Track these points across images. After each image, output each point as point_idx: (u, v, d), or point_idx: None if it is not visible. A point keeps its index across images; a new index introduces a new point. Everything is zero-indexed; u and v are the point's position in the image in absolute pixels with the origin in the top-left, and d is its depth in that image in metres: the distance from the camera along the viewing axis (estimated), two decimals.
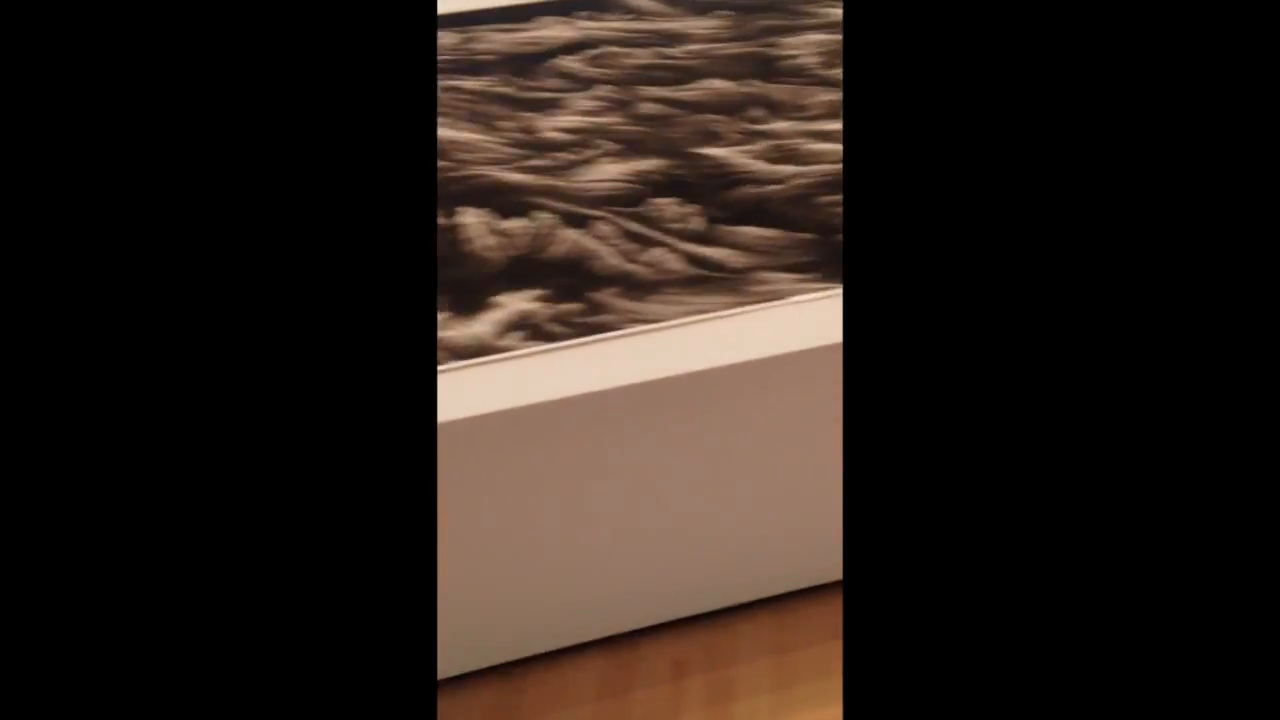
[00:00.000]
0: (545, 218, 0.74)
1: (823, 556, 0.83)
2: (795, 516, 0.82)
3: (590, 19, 1.03)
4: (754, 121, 0.89)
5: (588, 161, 0.83)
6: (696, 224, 0.75)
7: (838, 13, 1.01)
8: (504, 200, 0.79)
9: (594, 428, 0.76)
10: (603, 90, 0.91)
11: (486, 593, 0.78)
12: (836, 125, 0.88)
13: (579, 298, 0.72)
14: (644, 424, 0.76)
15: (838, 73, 0.92)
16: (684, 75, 0.94)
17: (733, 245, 0.76)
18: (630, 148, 0.85)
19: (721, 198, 0.79)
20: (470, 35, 0.96)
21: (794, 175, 0.82)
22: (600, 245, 0.76)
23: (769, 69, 0.94)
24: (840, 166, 0.85)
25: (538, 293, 0.72)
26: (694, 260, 0.74)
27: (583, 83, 0.90)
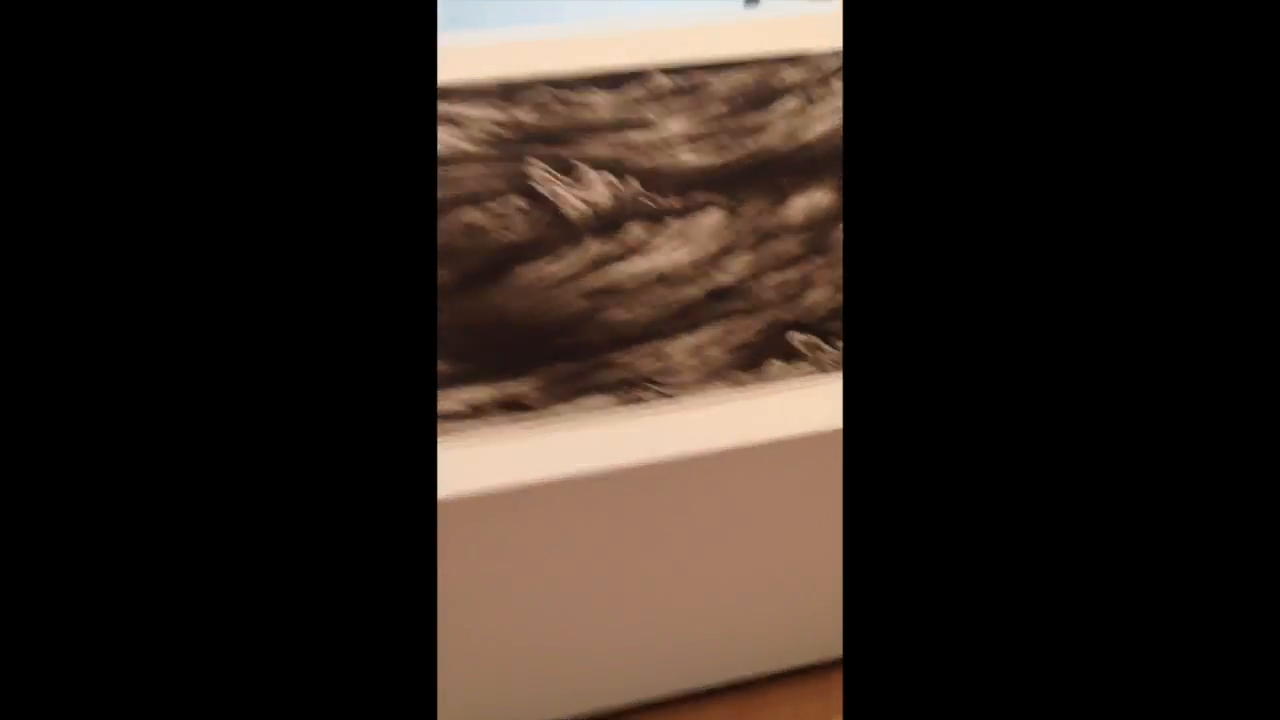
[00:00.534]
0: None
1: (806, 637, 0.82)
2: (781, 599, 0.81)
3: None
4: None
5: None
6: None
7: None
8: None
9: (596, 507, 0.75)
10: None
11: (485, 666, 0.77)
12: None
13: None
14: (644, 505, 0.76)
15: None
16: None
17: None
18: None
19: None
20: None
21: None
22: None
23: None
24: None
25: None
26: None
27: None
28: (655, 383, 0.78)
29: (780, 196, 0.81)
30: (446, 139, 0.74)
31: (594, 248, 0.77)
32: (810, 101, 0.82)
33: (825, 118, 0.81)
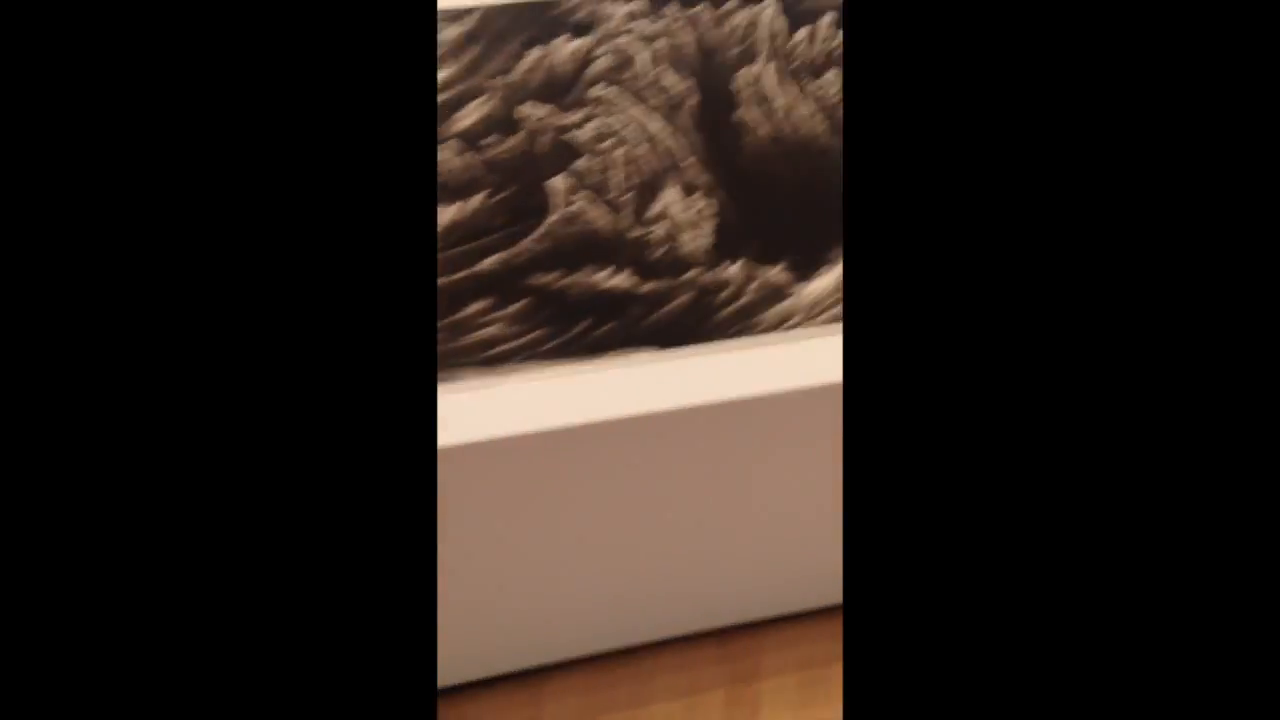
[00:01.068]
0: None
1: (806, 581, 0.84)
2: (790, 542, 0.83)
3: None
4: None
5: None
6: None
7: None
8: None
9: (609, 452, 0.76)
10: None
11: (497, 604, 0.79)
12: None
13: None
14: (658, 450, 0.77)
15: None
16: None
17: None
18: None
19: None
20: None
21: None
22: None
23: None
24: None
25: None
26: None
27: None
28: None
29: None
30: None
31: None
32: None
33: None
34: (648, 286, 0.78)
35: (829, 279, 0.82)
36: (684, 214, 0.79)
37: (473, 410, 0.73)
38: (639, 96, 0.87)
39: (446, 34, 0.87)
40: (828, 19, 0.91)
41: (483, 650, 0.81)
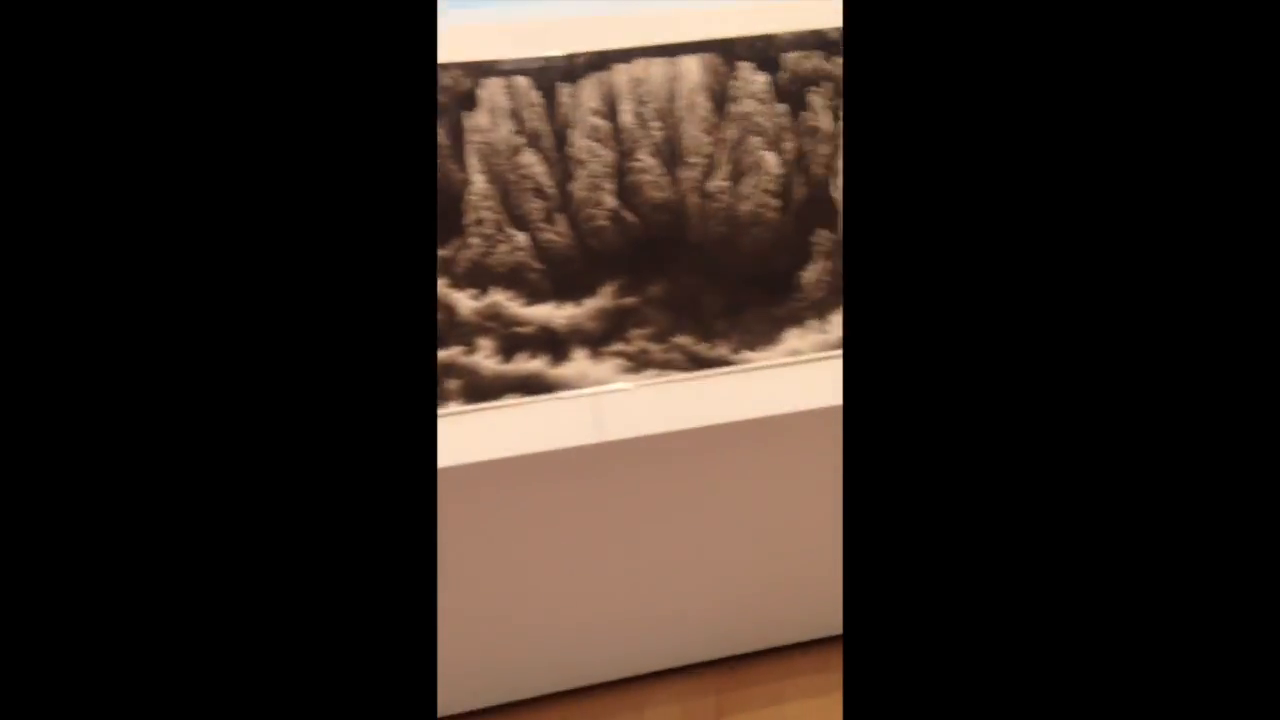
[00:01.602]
0: None
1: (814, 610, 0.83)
2: (790, 570, 0.82)
3: None
4: None
5: None
6: None
7: None
8: None
9: (601, 475, 0.76)
10: None
11: (491, 633, 0.78)
12: None
13: None
14: (652, 474, 0.77)
15: None
16: None
17: None
18: None
19: None
20: None
21: None
22: None
23: None
24: None
25: None
26: None
27: None
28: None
29: None
30: None
31: None
32: None
33: None
34: None
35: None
36: None
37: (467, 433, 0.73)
38: None
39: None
40: None
41: (486, 677, 0.80)
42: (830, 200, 0.92)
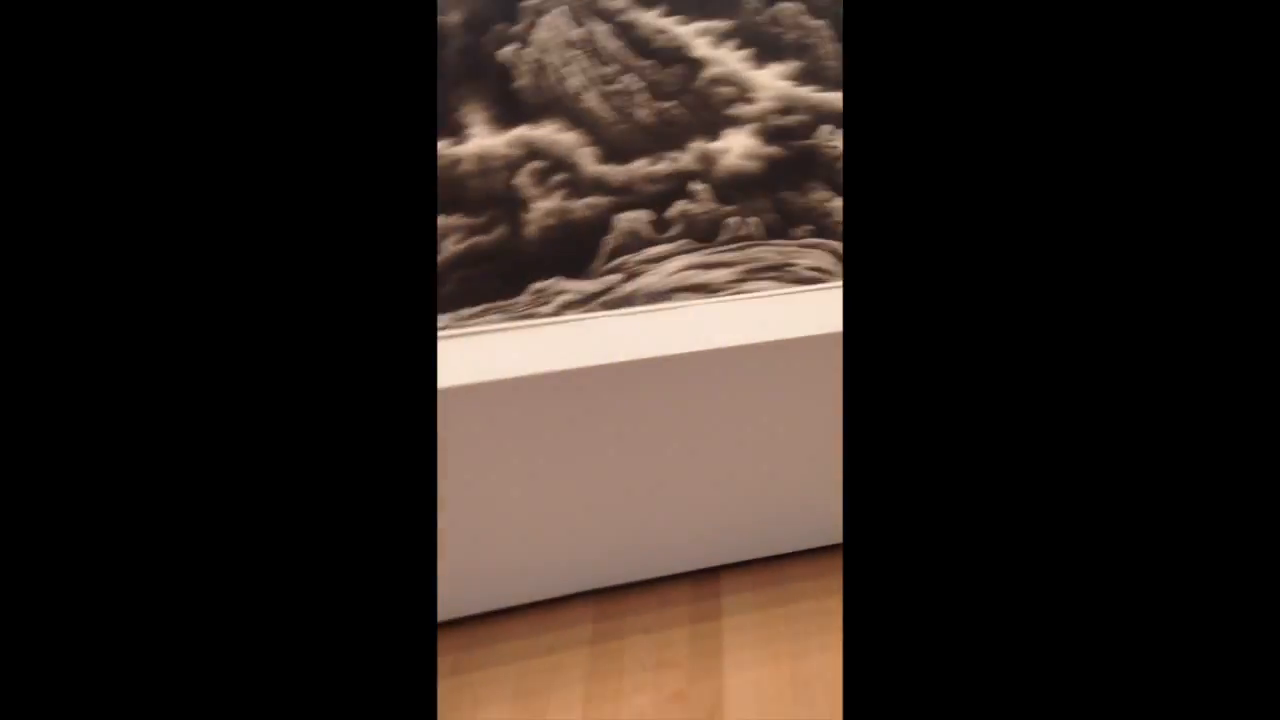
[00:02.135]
0: None
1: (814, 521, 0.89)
2: (791, 483, 0.88)
3: None
4: None
5: None
6: None
7: None
8: None
9: (605, 396, 0.81)
10: None
11: (493, 541, 0.84)
12: None
13: None
14: (652, 395, 0.82)
15: None
16: None
17: None
18: None
19: None
20: None
21: None
22: None
23: None
24: None
25: None
26: None
27: None
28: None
29: None
30: None
31: None
32: None
33: None
34: None
35: None
36: None
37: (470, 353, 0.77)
38: None
39: None
40: None
41: (486, 584, 0.85)
42: None
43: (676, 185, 0.83)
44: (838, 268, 0.82)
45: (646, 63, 0.85)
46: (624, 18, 0.87)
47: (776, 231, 0.82)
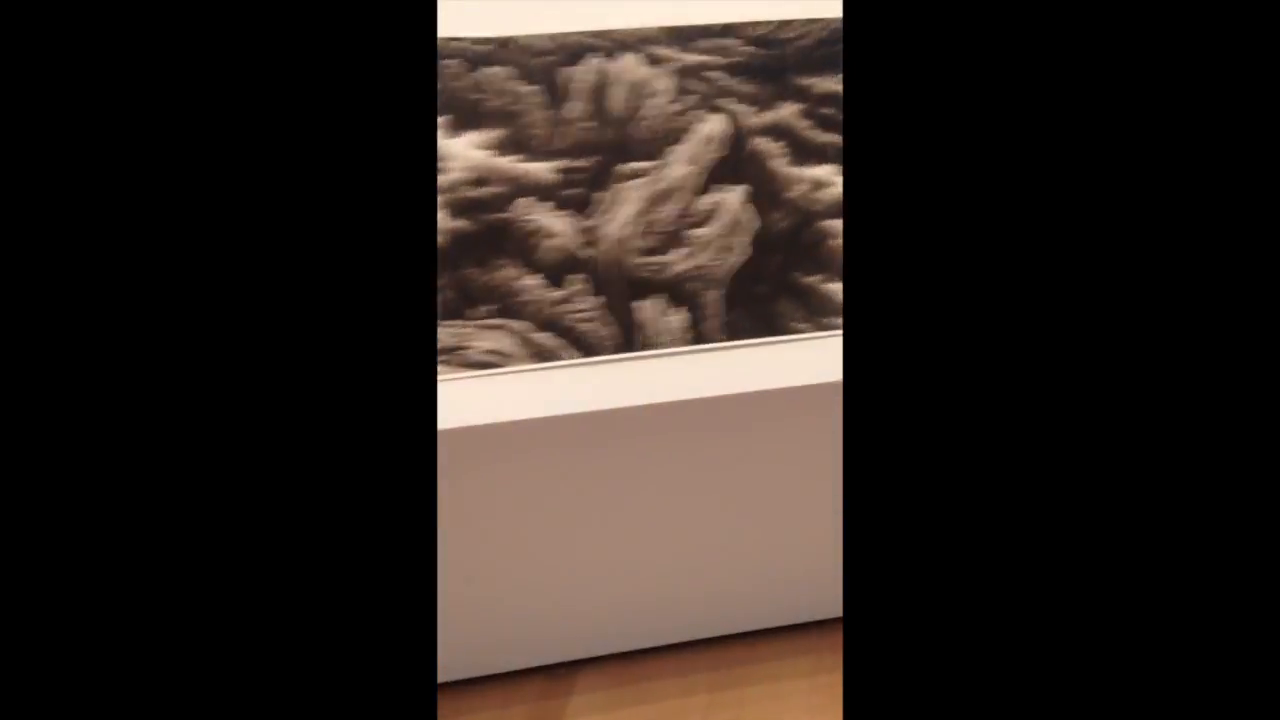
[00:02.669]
0: None
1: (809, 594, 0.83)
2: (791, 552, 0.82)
3: None
4: None
5: None
6: None
7: None
8: None
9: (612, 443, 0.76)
10: None
11: (491, 602, 0.79)
12: None
13: None
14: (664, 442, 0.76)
15: None
16: None
17: None
18: None
19: None
20: None
21: None
22: None
23: None
24: None
25: None
26: None
27: None
28: None
29: None
30: None
31: None
32: None
33: None
34: None
35: None
36: None
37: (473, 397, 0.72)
38: None
39: None
40: None
41: (484, 647, 0.80)
42: None
43: None
44: (520, 350, 0.77)
45: None
46: None
47: (452, 311, 0.77)
